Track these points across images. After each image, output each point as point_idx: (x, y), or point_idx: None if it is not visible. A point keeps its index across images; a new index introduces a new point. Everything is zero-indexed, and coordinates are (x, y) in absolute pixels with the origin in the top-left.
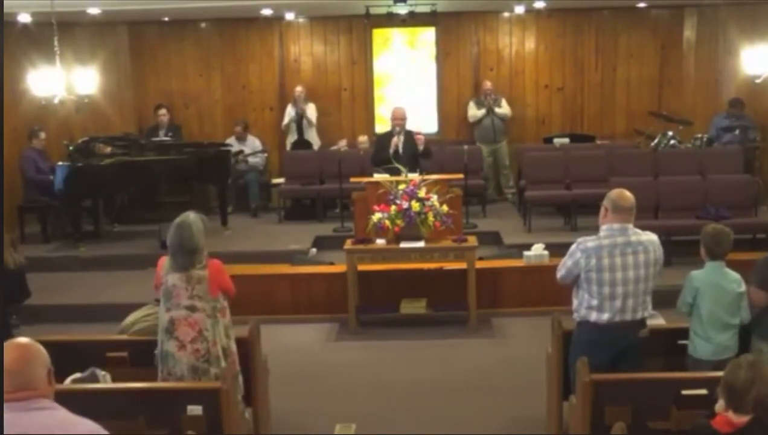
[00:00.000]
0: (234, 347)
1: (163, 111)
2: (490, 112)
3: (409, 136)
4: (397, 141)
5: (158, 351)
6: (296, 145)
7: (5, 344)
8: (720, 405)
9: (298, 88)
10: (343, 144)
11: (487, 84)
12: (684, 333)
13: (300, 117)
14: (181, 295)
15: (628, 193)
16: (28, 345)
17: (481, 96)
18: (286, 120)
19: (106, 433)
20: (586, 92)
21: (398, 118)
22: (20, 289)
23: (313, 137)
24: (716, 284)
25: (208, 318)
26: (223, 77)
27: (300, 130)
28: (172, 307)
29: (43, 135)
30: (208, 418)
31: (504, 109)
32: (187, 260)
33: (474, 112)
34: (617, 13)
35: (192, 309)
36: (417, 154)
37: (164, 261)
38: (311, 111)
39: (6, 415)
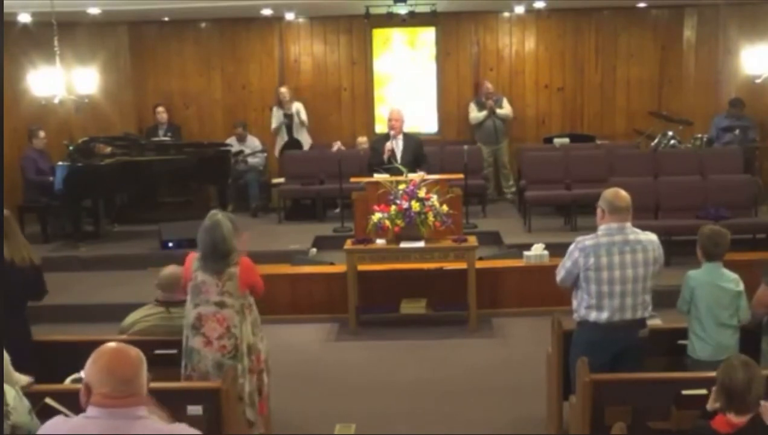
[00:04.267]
0: (260, 345)
1: (161, 109)
2: (491, 114)
3: (409, 139)
4: (392, 145)
5: (183, 347)
6: (287, 146)
7: (110, 348)
8: (712, 404)
9: (283, 90)
10: (338, 145)
11: (488, 85)
12: (684, 333)
13: (289, 118)
14: (210, 292)
15: (623, 193)
16: (135, 351)
17: (482, 97)
18: (274, 123)
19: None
20: (586, 92)
21: (393, 120)
22: (40, 285)
23: (304, 137)
24: (713, 284)
25: (236, 314)
26: (223, 77)
27: (290, 131)
28: (201, 303)
29: (42, 134)
30: (208, 418)
31: (505, 109)
32: (220, 263)
33: (475, 114)
34: (617, 13)
35: (221, 305)
36: (418, 158)
37: (193, 257)
38: (300, 110)
39: (110, 422)
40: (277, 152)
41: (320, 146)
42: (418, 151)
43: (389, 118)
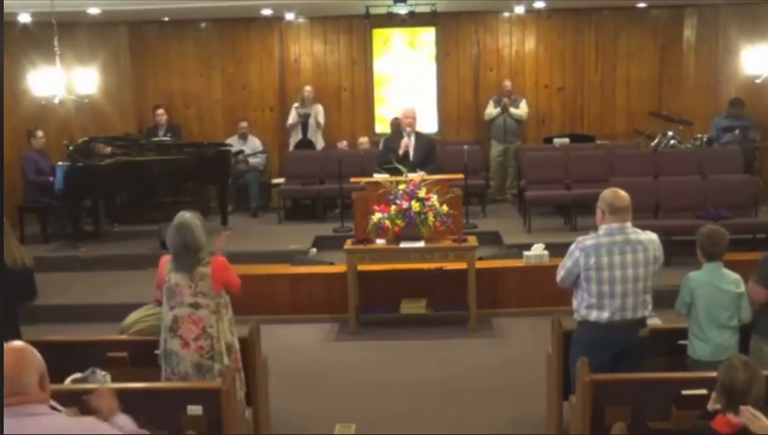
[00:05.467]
0: (237, 344)
1: (160, 111)
2: (504, 111)
3: (421, 138)
4: (408, 142)
5: (161, 350)
6: (299, 145)
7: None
8: (712, 404)
9: (307, 88)
10: (345, 144)
11: (506, 83)
12: (684, 333)
13: (306, 117)
14: (184, 293)
15: (622, 193)
16: (21, 350)
17: (500, 95)
18: (291, 120)
19: (105, 432)
20: (586, 92)
21: (408, 118)
22: (32, 287)
23: (318, 139)
24: (713, 285)
25: (212, 314)
26: (223, 77)
27: (304, 131)
28: (176, 305)
29: (40, 133)
30: (208, 418)
31: (520, 110)
32: (192, 260)
33: (490, 110)
34: (617, 13)
35: (196, 306)
36: (428, 157)
37: (166, 260)
38: (318, 113)
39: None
40: (291, 148)
41: (323, 146)
42: (429, 150)
43: (403, 115)
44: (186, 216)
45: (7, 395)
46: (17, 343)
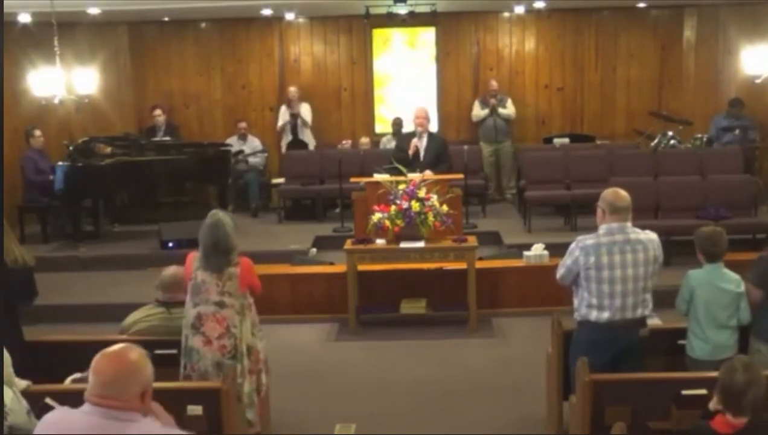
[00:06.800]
0: (259, 345)
1: (157, 111)
2: (493, 112)
3: (433, 138)
4: (418, 143)
5: (182, 347)
6: (291, 145)
7: (109, 349)
8: (714, 404)
9: (292, 89)
10: (347, 143)
11: (493, 84)
12: (684, 333)
13: (294, 118)
14: (210, 291)
15: (623, 193)
16: (130, 361)
17: (486, 96)
18: (280, 122)
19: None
20: (586, 92)
21: (420, 118)
22: (32, 287)
23: (308, 138)
24: (713, 285)
25: (236, 314)
26: (223, 77)
27: (294, 131)
28: (201, 303)
29: (38, 133)
30: (208, 418)
31: (508, 110)
32: (222, 261)
33: (477, 111)
34: (617, 13)
35: (221, 305)
36: (440, 157)
37: (194, 256)
38: (306, 111)
39: (97, 420)
40: (283, 150)
41: (322, 146)
42: (441, 150)
43: (415, 116)
44: (219, 215)
45: (105, 397)
46: (118, 347)
